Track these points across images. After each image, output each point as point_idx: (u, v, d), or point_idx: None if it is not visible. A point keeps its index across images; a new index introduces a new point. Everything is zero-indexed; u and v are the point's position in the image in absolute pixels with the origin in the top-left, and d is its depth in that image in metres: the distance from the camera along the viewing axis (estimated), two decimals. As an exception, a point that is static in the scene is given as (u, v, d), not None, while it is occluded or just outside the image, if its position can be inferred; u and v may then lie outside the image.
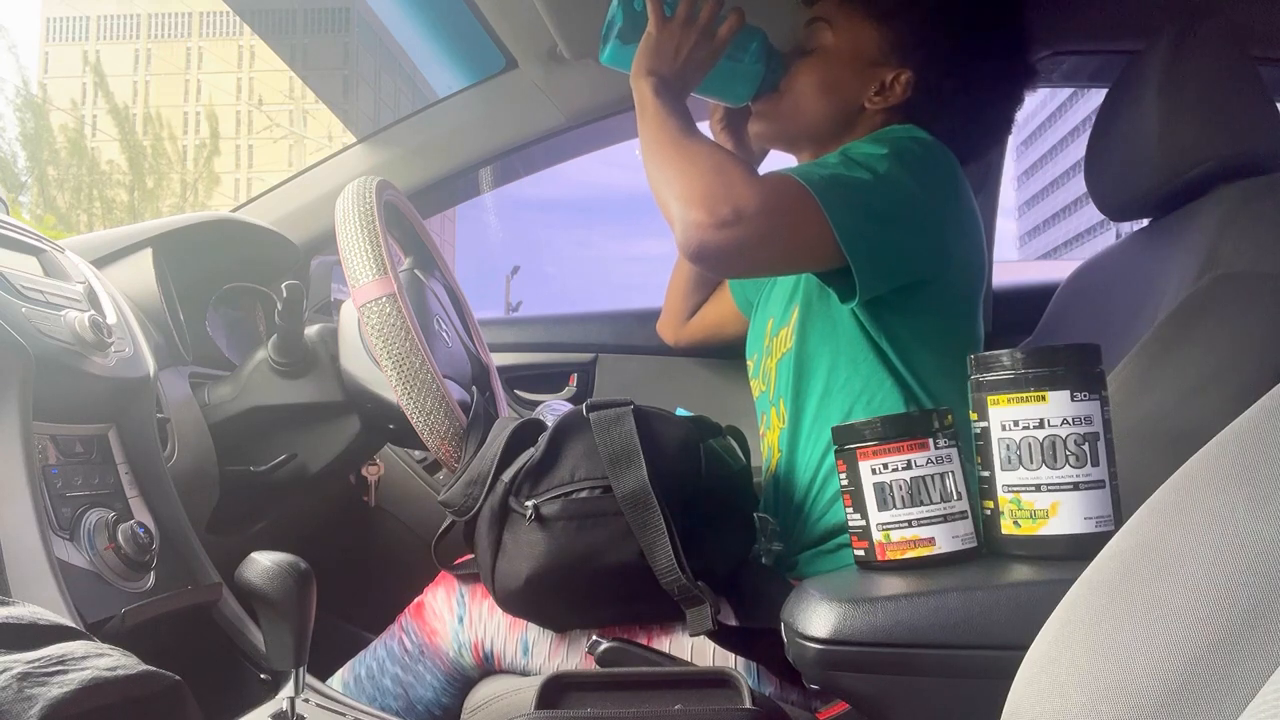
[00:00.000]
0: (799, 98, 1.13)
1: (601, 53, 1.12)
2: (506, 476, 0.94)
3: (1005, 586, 0.67)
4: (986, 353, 0.74)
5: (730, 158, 0.99)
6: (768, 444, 1.18)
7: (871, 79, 1.11)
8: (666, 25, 1.06)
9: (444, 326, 1.25)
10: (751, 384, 1.25)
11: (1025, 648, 0.46)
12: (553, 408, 1.27)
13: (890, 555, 0.75)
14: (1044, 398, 0.71)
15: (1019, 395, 0.71)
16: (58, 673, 0.45)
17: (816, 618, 0.67)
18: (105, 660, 0.48)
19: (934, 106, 1.10)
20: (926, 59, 1.10)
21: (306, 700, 0.81)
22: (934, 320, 1.05)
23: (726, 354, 1.58)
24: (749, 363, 1.26)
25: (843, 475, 0.77)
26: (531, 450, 0.95)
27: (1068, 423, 0.70)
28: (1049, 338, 1.29)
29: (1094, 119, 1.20)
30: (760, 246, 0.95)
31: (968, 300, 1.09)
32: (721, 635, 0.90)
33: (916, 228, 1.00)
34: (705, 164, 0.97)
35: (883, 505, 0.75)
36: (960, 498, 0.75)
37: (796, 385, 1.09)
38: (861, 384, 1.05)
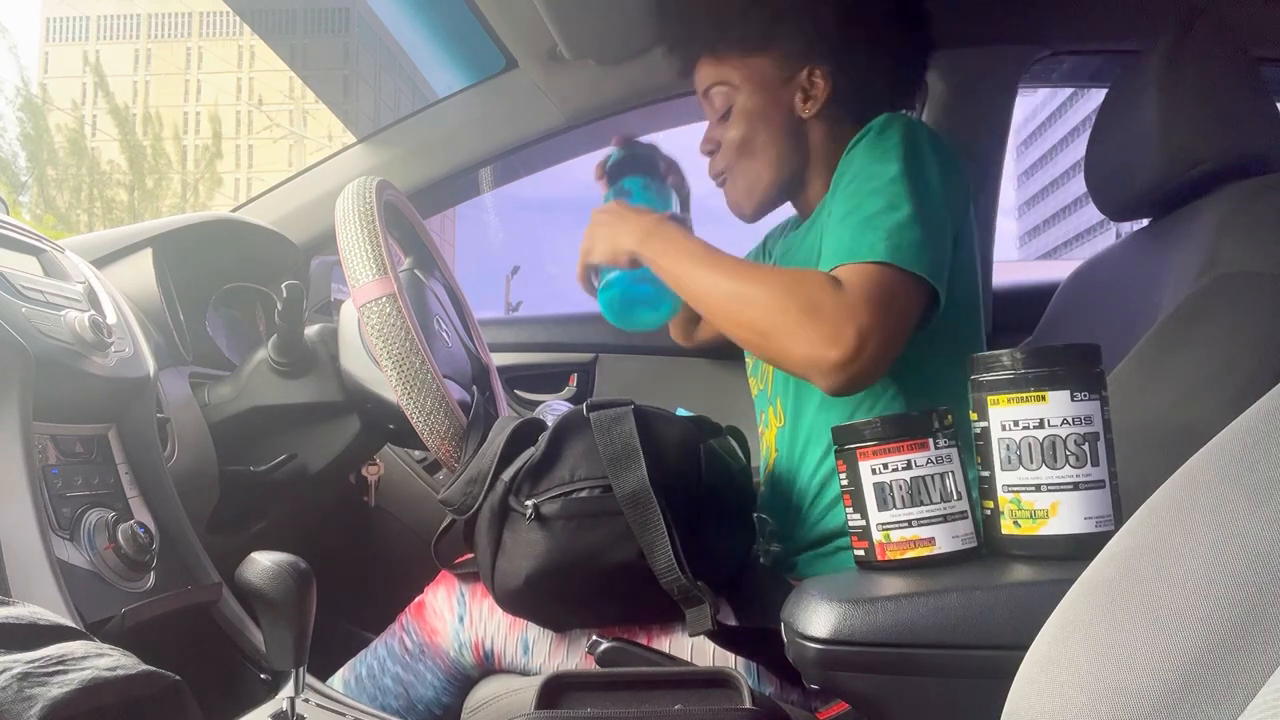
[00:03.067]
0: (753, 162, 1.12)
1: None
2: (506, 475, 0.94)
3: (1005, 586, 0.67)
4: (986, 353, 0.74)
5: (799, 274, 0.95)
6: (766, 443, 1.18)
7: (790, 95, 1.11)
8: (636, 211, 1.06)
9: (444, 326, 1.25)
10: (750, 382, 1.25)
11: (1025, 648, 0.46)
12: (553, 407, 1.27)
13: (890, 555, 0.75)
14: (1044, 398, 0.71)
15: (1019, 395, 0.71)
16: (58, 673, 0.45)
17: (816, 618, 0.67)
18: (105, 660, 0.48)
19: (856, 75, 1.09)
20: (822, 46, 1.09)
21: (306, 700, 0.81)
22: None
23: (727, 354, 1.58)
24: (748, 360, 1.26)
25: (843, 475, 0.77)
26: (531, 450, 0.95)
27: (1068, 423, 0.70)
28: (1049, 338, 1.29)
29: (1094, 119, 1.20)
30: (892, 342, 0.91)
31: (965, 280, 1.07)
32: (721, 635, 0.90)
33: (950, 219, 1.00)
34: (793, 295, 0.92)
35: (883, 505, 0.75)
36: (960, 497, 0.75)
37: (797, 386, 1.09)
38: None
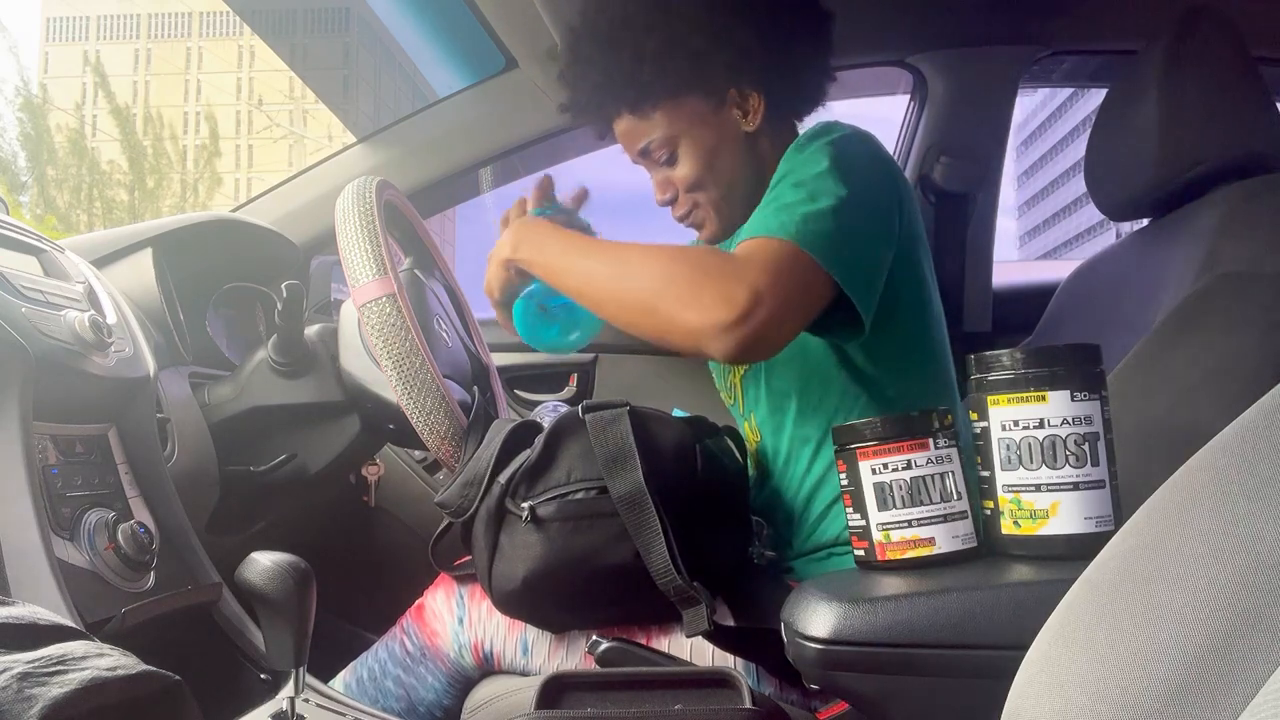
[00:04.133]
0: (716, 190, 1.10)
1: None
2: (503, 478, 0.94)
3: (1005, 586, 0.67)
4: (986, 353, 0.74)
5: (683, 247, 0.94)
6: (750, 456, 1.16)
7: (729, 116, 1.08)
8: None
9: (444, 326, 1.25)
10: (721, 395, 1.24)
11: (1025, 648, 0.46)
12: (550, 409, 1.26)
13: (890, 555, 0.75)
14: (1044, 398, 0.71)
15: (1019, 395, 0.71)
16: (58, 673, 0.45)
17: (816, 618, 0.67)
18: (105, 660, 0.48)
19: (785, 79, 1.08)
20: (742, 68, 1.07)
21: (306, 700, 0.81)
22: (897, 320, 1.02)
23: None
24: (714, 373, 1.24)
25: (843, 475, 0.77)
26: (528, 452, 0.95)
27: (1068, 423, 0.70)
28: (1049, 338, 1.29)
29: (1094, 119, 1.20)
30: (787, 317, 0.89)
31: (916, 285, 1.04)
32: (718, 636, 0.90)
33: (881, 229, 0.98)
34: (680, 263, 0.90)
35: (883, 505, 0.75)
36: (960, 497, 0.75)
37: (769, 404, 1.08)
38: (836, 401, 1.03)
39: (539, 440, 0.95)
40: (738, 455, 1.04)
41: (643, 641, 0.96)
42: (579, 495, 0.92)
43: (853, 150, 0.98)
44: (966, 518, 0.75)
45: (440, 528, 1.06)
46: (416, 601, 1.08)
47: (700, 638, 0.91)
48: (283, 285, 1.17)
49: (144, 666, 0.49)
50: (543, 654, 0.99)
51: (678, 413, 1.03)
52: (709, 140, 1.08)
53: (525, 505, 0.92)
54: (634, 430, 0.92)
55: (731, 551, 0.99)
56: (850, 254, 0.92)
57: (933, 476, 0.74)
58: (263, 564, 0.78)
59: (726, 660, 0.95)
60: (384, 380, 1.04)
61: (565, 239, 1.01)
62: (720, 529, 0.97)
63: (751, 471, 1.14)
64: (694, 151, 1.09)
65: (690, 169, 1.09)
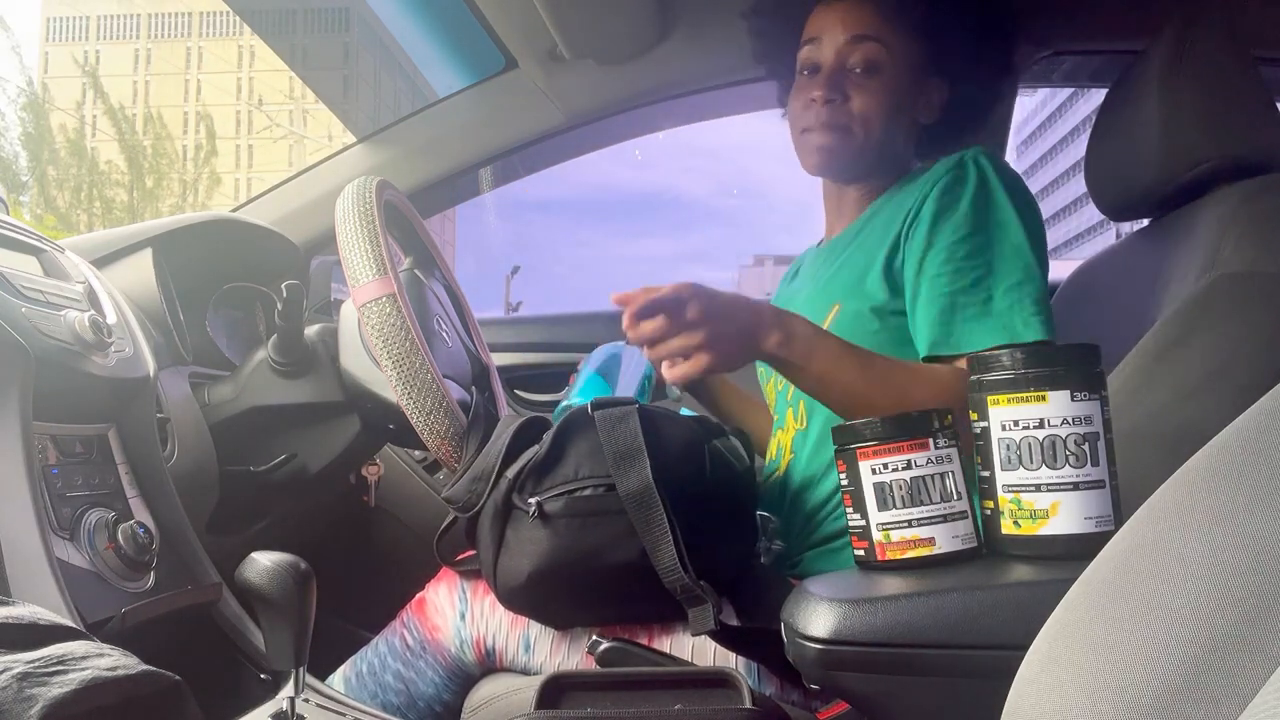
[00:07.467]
0: (870, 124, 1.09)
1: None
2: (510, 473, 0.94)
3: (1005, 586, 0.67)
4: (986, 352, 0.74)
5: (930, 384, 0.94)
6: (779, 443, 1.16)
7: (918, 97, 1.12)
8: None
9: (444, 326, 1.25)
10: (764, 383, 1.23)
11: (1025, 648, 0.46)
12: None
13: (890, 555, 0.75)
14: (1044, 398, 0.71)
15: (1019, 395, 0.71)
16: (58, 673, 0.45)
17: (816, 618, 0.67)
18: (105, 660, 0.48)
19: (963, 110, 1.13)
20: (953, 66, 1.12)
21: (306, 700, 0.81)
22: None
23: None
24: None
25: (843, 475, 0.77)
26: (536, 447, 0.96)
27: (1068, 423, 0.70)
28: (1049, 337, 1.29)
29: (1094, 119, 1.20)
30: None
31: None
32: (723, 635, 0.90)
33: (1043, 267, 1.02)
34: (937, 393, 0.91)
35: (883, 505, 0.75)
36: (960, 497, 0.75)
37: None
38: None
39: (547, 436, 0.95)
40: (744, 456, 1.04)
41: (644, 641, 0.96)
42: (586, 492, 0.92)
43: (1021, 195, 1.02)
44: (966, 518, 0.75)
45: (445, 523, 1.06)
46: (417, 595, 1.08)
47: (701, 638, 0.91)
48: (283, 285, 1.17)
49: (144, 666, 0.49)
50: (544, 652, 0.99)
51: (685, 412, 1.03)
52: (904, 91, 1.10)
53: (532, 501, 0.92)
54: (643, 428, 0.92)
55: (737, 552, 0.99)
56: (1046, 313, 0.98)
57: (933, 476, 0.74)
58: (263, 564, 0.78)
59: (728, 661, 0.95)
60: (384, 380, 1.04)
61: (831, 344, 0.96)
62: (727, 529, 0.97)
63: (781, 455, 1.14)
64: (890, 88, 1.09)
65: (875, 100, 1.09)
